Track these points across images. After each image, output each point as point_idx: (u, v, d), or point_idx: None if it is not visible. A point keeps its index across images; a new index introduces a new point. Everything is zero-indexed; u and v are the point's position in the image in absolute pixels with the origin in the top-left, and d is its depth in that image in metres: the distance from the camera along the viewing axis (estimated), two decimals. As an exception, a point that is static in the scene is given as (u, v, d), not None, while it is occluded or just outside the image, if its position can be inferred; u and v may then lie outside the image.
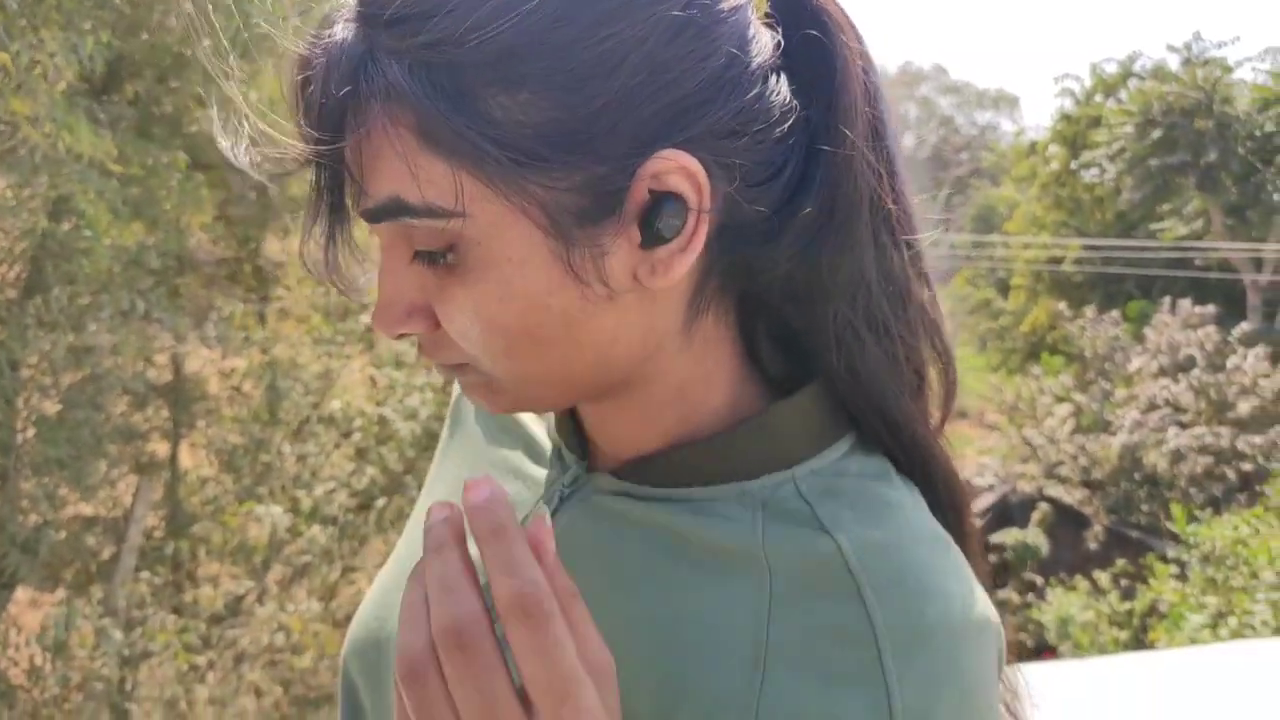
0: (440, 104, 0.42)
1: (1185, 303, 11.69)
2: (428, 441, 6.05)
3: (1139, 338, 12.08)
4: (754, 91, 0.46)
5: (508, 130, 0.43)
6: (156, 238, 4.69)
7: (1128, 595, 7.75)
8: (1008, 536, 9.31)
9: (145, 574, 4.21)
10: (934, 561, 0.51)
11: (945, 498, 0.58)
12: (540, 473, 0.62)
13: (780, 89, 0.47)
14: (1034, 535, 9.27)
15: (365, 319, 5.82)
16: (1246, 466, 9.80)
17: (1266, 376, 10.42)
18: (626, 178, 0.45)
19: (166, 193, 4.64)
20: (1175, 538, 8.63)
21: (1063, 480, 10.65)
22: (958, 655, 0.49)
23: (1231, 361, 10.76)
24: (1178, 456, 10.00)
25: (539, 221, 0.45)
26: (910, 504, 0.54)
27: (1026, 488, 10.63)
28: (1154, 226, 18.84)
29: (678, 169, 0.45)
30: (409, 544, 0.66)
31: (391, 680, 0.59)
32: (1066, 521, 9.92)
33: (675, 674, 0.50)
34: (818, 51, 0.49)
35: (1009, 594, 8.91)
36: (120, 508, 5.16)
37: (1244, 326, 12.03)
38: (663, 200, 0.45)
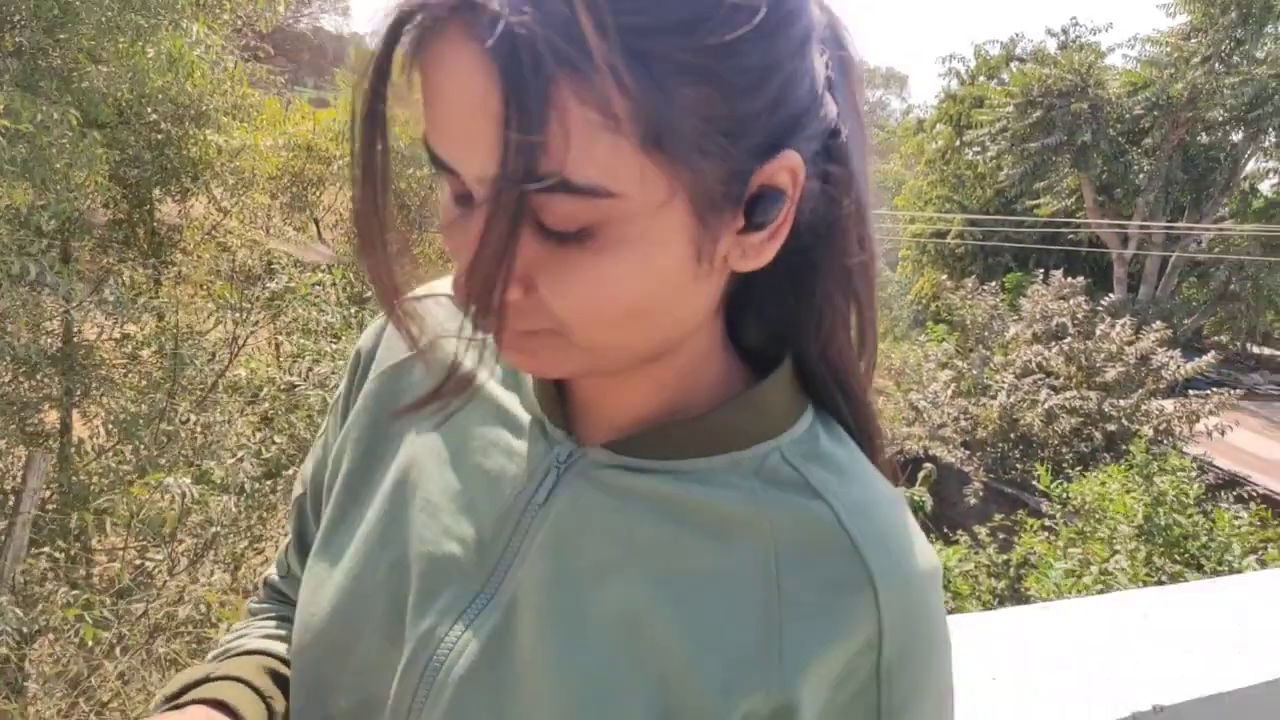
0: (637, 90, 0.42)
1: (1058, 275, 12.39)
2: (337, 411, 5.98)
3: (1015, 307, 12.76)
4: (828, 100, 0.52)
5: (688, 122, 0.44)
6: (47, 199, 4.45)
7: (1004, 548, 8.23)
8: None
9: (46, 549, 4.06)
10: (903, 518, 0.58)
11: (878, 460, 0.62)
12: (520, 445, 0.61)
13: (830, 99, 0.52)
14: (920, 493, 9.76)
15: (272, 285, 5.68)
16: (1111, 427, 10.52)
17: (1130, 344, 11.17)
18: (755, 172, 0.48)
19: (57, 151, 4.41)
20: (1047, 494, 9.26)
21: (946, 441, 11.21)
22: (929, 595, 0.56)
23: (1099, 330, 11.48)
24: (1050, 417, 10.64)
25: (690, 208, 0.47)
26: (869, 467, 0.60)
27: (913, 448, 11.15)
28: (1030, 203, 19.79)
29: (789, 167, 0.49)
30: (380, 525, 0.64)
31: (345, 682, 0.62)
32: (950, 480, 10.49)
33: (696, 632, 0.54)
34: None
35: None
36: (10, 480, 4.94)
37: (1111, 297, 12.84)
38: (769, 193, 0.50)
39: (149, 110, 5.80)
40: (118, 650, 3.75)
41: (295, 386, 5.97)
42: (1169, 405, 10.68)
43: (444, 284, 0.69)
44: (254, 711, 0.63)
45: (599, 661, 0.55)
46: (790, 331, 0.59)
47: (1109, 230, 18.56)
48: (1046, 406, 10.60)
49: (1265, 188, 19.79)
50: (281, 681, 0.67)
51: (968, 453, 11.12)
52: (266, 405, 5.69)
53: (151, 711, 0.63)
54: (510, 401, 0.63)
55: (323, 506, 0.70)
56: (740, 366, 0.61)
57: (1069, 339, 11.39)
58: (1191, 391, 11.21)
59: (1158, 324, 11.63)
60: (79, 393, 5.54)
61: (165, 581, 3.85)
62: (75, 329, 5.53)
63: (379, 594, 0.61)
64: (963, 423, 11.26)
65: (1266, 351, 20.39)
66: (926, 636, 0.56)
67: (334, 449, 0.70)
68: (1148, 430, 10.10)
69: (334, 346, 6.06)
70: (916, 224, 21.60)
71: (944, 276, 14.89)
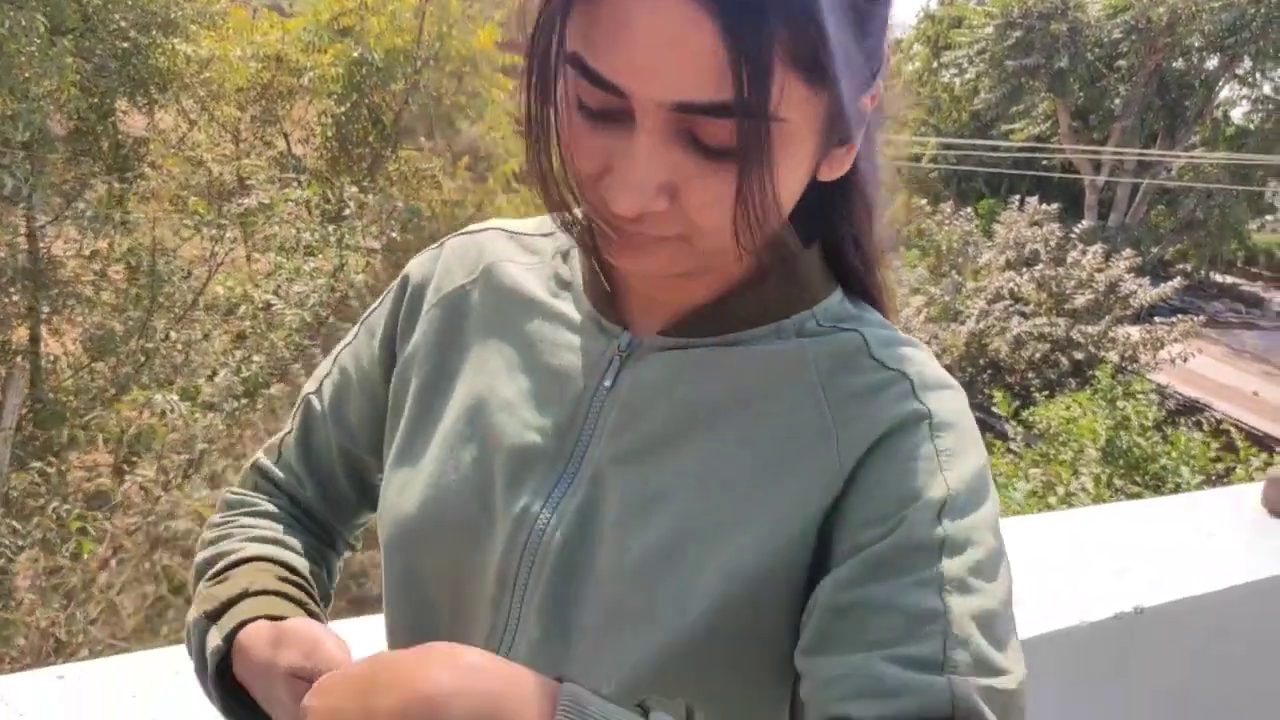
0: (826, 28, 0.49)
1: (1032, 201, 12.45)
2: (318, 329, 5.96)
3: (989, 233, 12.84)
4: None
5: (846, 57, 0.51)
6: (18, 109, 4.31)
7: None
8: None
9: (37, 464, 4.06)
10: (926, 351, 0.65)
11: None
12: (582, 342, 0.67)
13: None
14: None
15: (247, 201, 5.58)
16: (1079, 354, 10.72)
17: (1101, 271, 11.32)
18: (864, 99, 0.57)
19: (26, 59, 4.26)
20: (1016, 416, 9.48)
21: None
22: (962, 401, 0.63)
23: (1071, 257, 11.61)
24: (1019, 343, 10.83)
25: (827, 128, 0.55)
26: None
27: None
28: (1006, 128, 19.76)
29: (874, 95, 0.58)
30: (459, 427, 0.69)
31: (437, 566, 0.67)
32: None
33: (765, 466, 0.61)
34: None
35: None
36: (-14, 396, 4.90)
37: (1083, 224, 12.94)
38: (858, 115, 0.57)
39: (116, 16, 5.59)
40: (113, 563, 3.79)
41: (272, 305, 5.92)
42: (1135, 332, 10.90)
43: (498, 220, 0.78)
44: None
45: (678, 516, 0.61)
46: (819, 225, 0.66)
47: (1083, 156, 18.61)
48: (1016, 333, 10.78)
49: (1237, 115, 19.91)
50: (298, 586, 0.72)
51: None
52: (248, 324, 5.65)
53: (191, 629, 0.69)
54: (564, 306, 0.69)
55: (346, 415, 0.77)
56: (768, 247, 0.64)
57: (1041, 266, 11.51)
58: (1157, 319, 11.44)
59: (1127, 251, 11.78)
60: (48, 309, 5.45)
61: (159, 497, 3.87)
62: (44, 244, 5.41)
63: (466, 486, 0.67)
64: (933, 348, 11.41)
65: (1228, 280, 20.79)
66: (961, 412, 0.62)
67: (370, 364, 0.76)
68: (1114, 357, 10.33)
69: (311, 265, 6.00)
70: (892, 147, 21.49)
71: (924, 202, 14.89)
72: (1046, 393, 9.46)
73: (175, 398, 3.82)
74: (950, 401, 0.62)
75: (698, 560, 0.60)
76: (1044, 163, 19.32)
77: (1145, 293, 11.17)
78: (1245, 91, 18.81)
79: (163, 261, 5.41)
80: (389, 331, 0.75)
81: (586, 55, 0.51)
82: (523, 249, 0.74)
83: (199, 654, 0.66)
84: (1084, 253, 11.51)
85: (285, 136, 8.10)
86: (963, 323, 11.35)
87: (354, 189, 6.09)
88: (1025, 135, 19.32)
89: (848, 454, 0.60)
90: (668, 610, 0.59)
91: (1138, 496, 7.40)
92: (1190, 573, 1.82)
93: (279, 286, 5.92)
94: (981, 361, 11.32)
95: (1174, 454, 7.33)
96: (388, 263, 6.49)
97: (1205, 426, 8.11)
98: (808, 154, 0.55)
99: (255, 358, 5.67)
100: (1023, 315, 11.13)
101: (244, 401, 5.41)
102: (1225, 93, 19.08)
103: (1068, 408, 8.25)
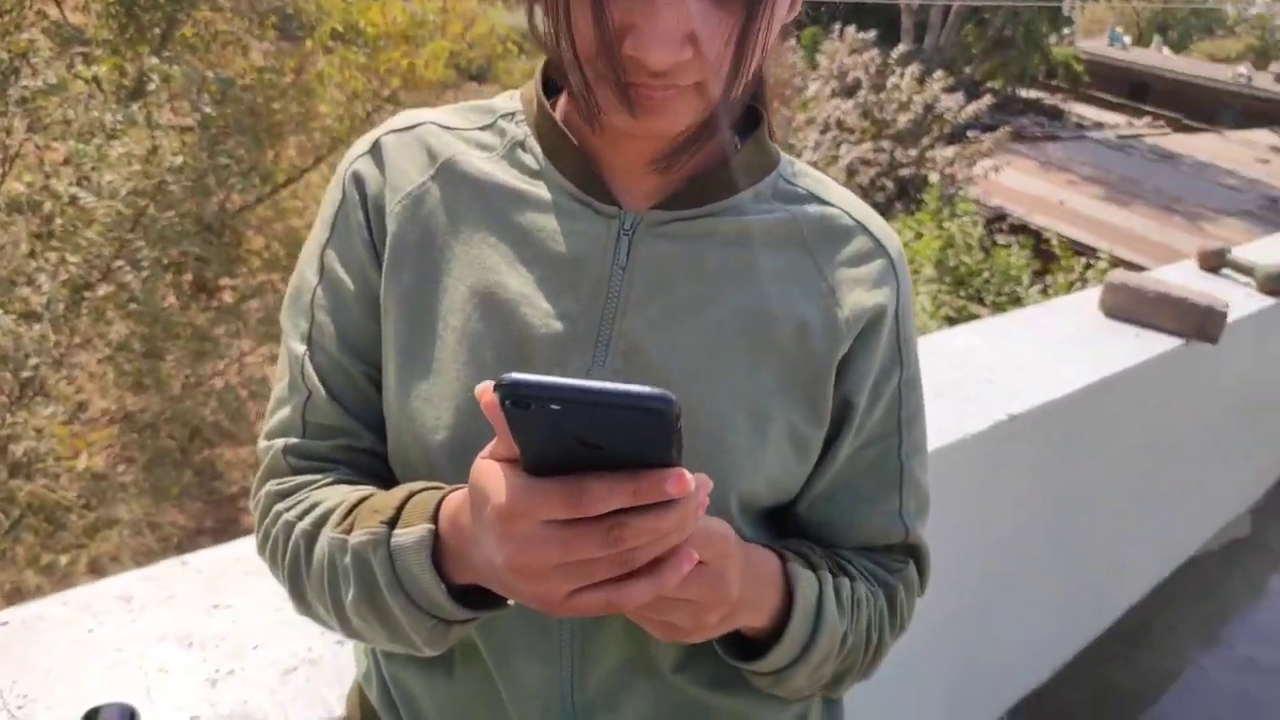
0: None
1: (851, 29, 12.62)
2: (137, 221, 5.46)
3: (814, 64, 13.00)
4: None
5: None
6: None
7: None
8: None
9: None
10: (870, 208, 0.78)
11: None
12: (581, 226, 0.69)
13: None
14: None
15: (33, 84, 4.94)
16: (904, 173, 11.23)
17: (918, 93, 11.73)
18: None
19: None
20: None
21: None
22: (906, 267, 0.78)
23: (890, 82, 11.95)
24: (851, 171, 11.23)
25: None
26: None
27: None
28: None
29: None
30: (475, 326, 0.68)
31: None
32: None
33: (785, 312, 0.71)
34: None
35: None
36: None
37: (900, 48, 13.26)
38: None
39: None
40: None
41: (78, 199, 5.38)
42: (949, 151, 11.46)
43: (422, 114, 0.76)
44: None
45: (712, 367, 0.69)
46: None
47: (896, -21, 18.83)
48: (847, 161, 11.15)
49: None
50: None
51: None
52: (58, 222, 5.12)
53: (359, 550, 0.62)
54: (546, 193, 0.71)
55: (362, 347, 0.72)
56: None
57: (863, 92, 11.81)
58: (970, 133, 12.05)
59: (939, 73, 12.21)
60: None
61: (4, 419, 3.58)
62: None
63: None
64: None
65: (1032, 94, 21.98)
66: (910, 291, 0.78)
67: (361, 284, 0.72)
68: (934, 176, 10.90)
69: (118, 150, 5.45)
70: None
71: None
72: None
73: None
74: (907, 276, 0.77)
75: (733, 398, 0.69)
76: (861, -13, 19.44)
77: (959, 109, 11.67)
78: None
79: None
80: (366, 240, 0.72)
81: None
82: (469, 142, 0.74)
83: (385, 566, 0.60)
84: (902, 76, 11.85)
85: (58, 3, 7.15)
86: (799, 154, 11.62)
87: (154, 60, 5.49)
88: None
89: (852, 318, 0.73)
90: (720, 449, 0.69)
91: (964, 309, 8.00)
92: (1048, 378, 2.04)
93: (84, 177, 5.37)
94: (816, 193, 11.70)
95: (997, 266, 7.93)
96: (205, 140, 5.97)
97: (1021, 238, 8.75)
98: (785, 4, 0.62)
99: (71, 259, 5.20)
100: (851, 143, 11.48)
101: (66, 307, 4.98)
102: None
103: (900, 232, 8.71)
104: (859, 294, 0.73)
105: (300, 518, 0.69)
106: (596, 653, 0.71)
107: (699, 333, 0.69)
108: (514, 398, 0.46)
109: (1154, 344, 2.21)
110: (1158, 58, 27.74)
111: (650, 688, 0.73)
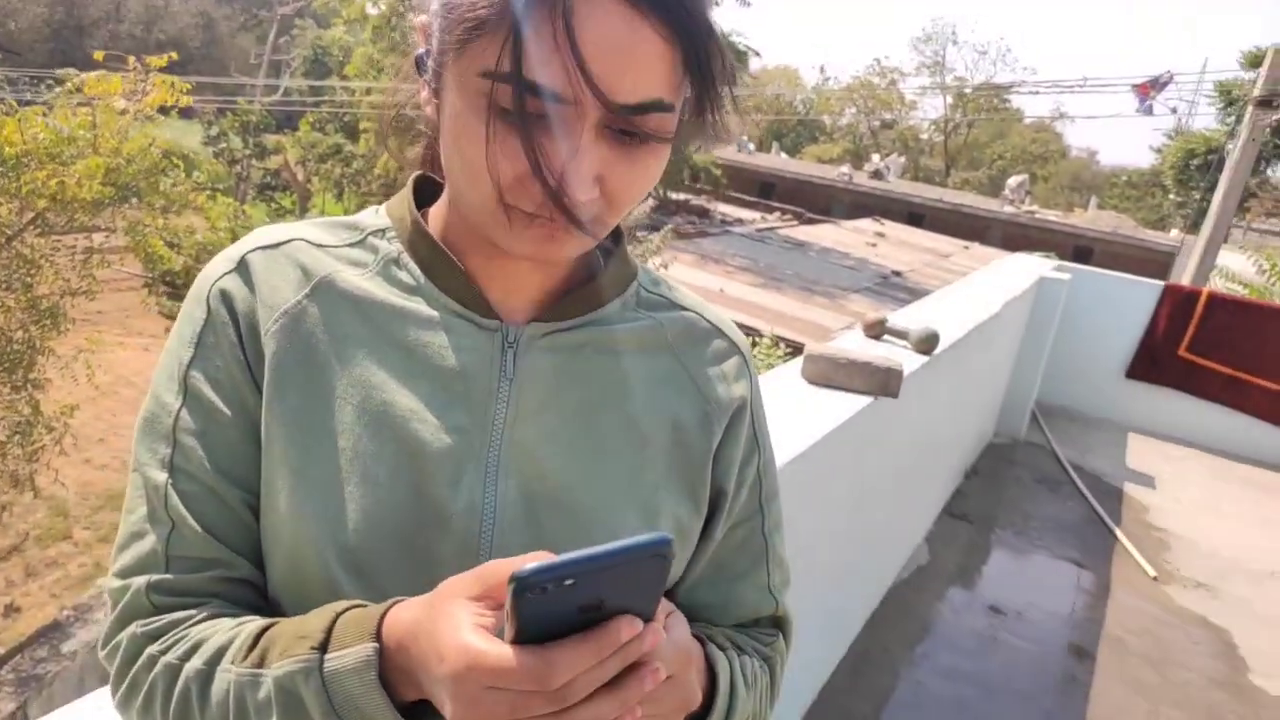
0: (712, 42, 0.62)
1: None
2: None
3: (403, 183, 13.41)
4: None
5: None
6: None
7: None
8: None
9: None
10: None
11: None
12: (464, 341, 0.71)
13: None
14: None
15: None
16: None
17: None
18: None
19: None
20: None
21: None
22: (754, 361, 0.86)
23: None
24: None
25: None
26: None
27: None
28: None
29: None
30: (367, 444, 0.68)
31: (390, 581, 0.66)
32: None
33: (664, 411, 0.77)
34: None
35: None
36: None
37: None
38: None
39: None
40: None
41: None
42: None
43: (285, 230, 0.75)
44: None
45: (604, 472, 0.73)
46: None
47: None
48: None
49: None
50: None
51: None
52: None
53: (281, 683, 0.60)
54: (425, 309, 0.72)
55: (239, 472, 0.69)
56: None
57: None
58: (639, 234, 12.96)
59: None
60: None
61: None
62: None
63: (399, 499, 0.68)
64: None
65: (681, 196, 24.23)
66: (759, 382, 0.86)
67: (236, 408, 0.69)
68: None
69: None
70: (373, 94, 21.18)
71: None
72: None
73: None
74: (754, 363, 0.86)
75: (624, 498, 0.73)
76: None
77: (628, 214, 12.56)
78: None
79: None
80: (240, 360, 0.70)
81: (529, 71, 0.58)
82: (342, 259, 0.74)
83: (320, 695, 0.58)
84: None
85: None
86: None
87: None
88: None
89: (718, 412, 0.80)
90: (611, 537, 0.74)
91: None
92: (781, 437, 2.29)
93: None
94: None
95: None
96: None
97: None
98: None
99: None
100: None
101: None
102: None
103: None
104: (723, 389, 0.80)
105: (185, 658, 0.64)
106: None
107: (587, 439, 0.73)
108: (530, 586, 0.47)
109: (851, 403, 2.57)
110: (778, 161, 32.06)
111: None
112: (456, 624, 0.53)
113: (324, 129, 23.46)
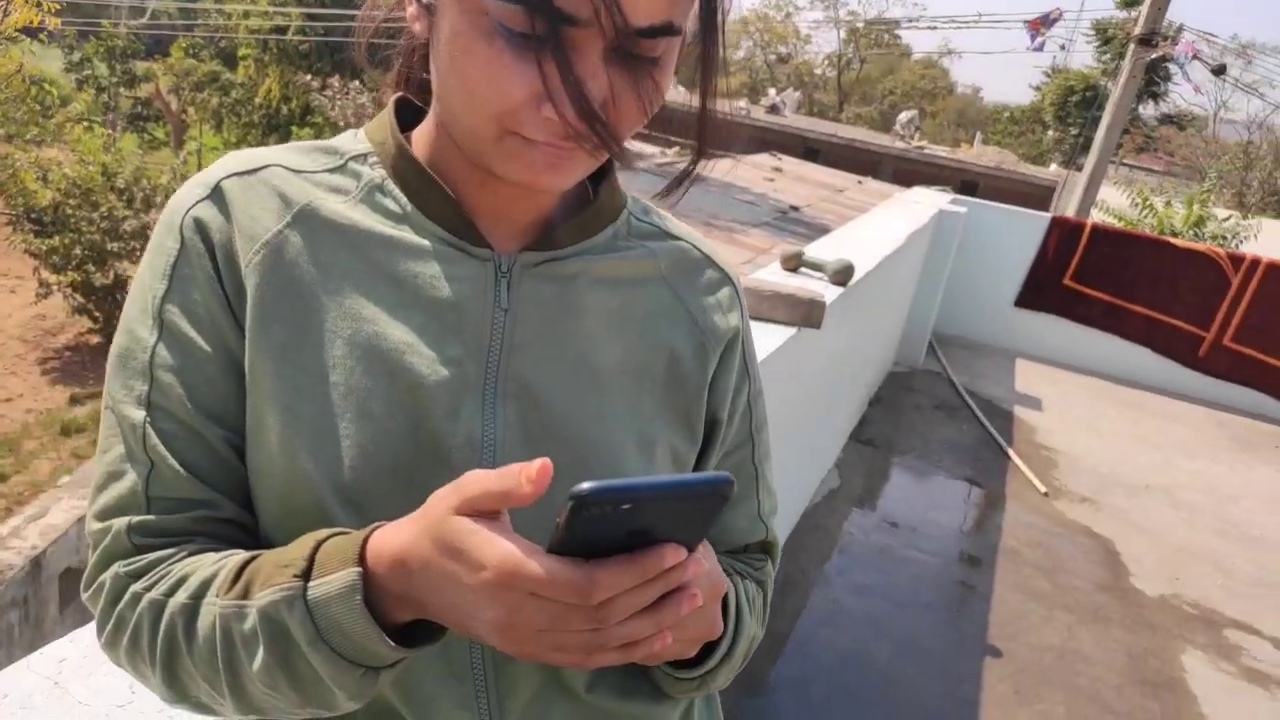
0: None
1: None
2: None
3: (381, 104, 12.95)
4: None
5: None
6: None
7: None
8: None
9: None
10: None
11: None
12: (456, 270, 0.70)
13: None
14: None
15: None
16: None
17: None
18: None
19: None
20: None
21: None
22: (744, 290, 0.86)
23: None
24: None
25: None
26: None
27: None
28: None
29: None
30: (360, 378, 0.67)
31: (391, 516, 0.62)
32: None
33: (662, 346, 0.76)
34: None
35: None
36: None
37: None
38: None
39: None
40: None
41: None
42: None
43: (261, 155, 0.72)
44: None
45: (608, 388, 0.73)
46: None
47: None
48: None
49: None
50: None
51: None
52: None
53: (268, 611, 0.58)
54: (414, 238, 0.70)
55: (220, 410, 0.67)
56: None
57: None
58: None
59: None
60: None
61: None
62: None
63: (396, 433, 0.66)
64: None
65: (579, 129, 23.83)
66: (748, 312, 0.89)
67: (215, 342, 0.66)
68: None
69: None
70: (252, 19, 20.00)
71: (308, 77, 14.25)
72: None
73: None
74: (744, 291, 0.87)
75: (621, 428, 0.74)
76: (411, 30, 19.63)
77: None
78: None
79: None
80: (219, 293, 0.66)
81: None
82: (322, 186, 0.71)
83: (305, 622, 0.57)
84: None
85: None
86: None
87: None
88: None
89: (712, 342, 0.80)
90: (617, 476, 0.74)
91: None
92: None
93: None
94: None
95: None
96: None
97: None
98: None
99: None
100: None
101: None
102: None
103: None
104: (716, 319, 0.80)
105: (170, 593, 0.63)
106: (511, 686, 0.71)
107: (584, 369, 0.72)
108: (590, 504, 0.48)
109: (776, 335, 2.62)
110: (676, 95, 31.71)
111: (568, 709, 0.74)
112: (485, 534, 0.52)
113: (198, 55, 22.10)
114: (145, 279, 0.68)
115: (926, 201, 6.66)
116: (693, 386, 0.78)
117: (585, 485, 0.48)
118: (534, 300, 0.72)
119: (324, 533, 0.61)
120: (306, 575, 0.58)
